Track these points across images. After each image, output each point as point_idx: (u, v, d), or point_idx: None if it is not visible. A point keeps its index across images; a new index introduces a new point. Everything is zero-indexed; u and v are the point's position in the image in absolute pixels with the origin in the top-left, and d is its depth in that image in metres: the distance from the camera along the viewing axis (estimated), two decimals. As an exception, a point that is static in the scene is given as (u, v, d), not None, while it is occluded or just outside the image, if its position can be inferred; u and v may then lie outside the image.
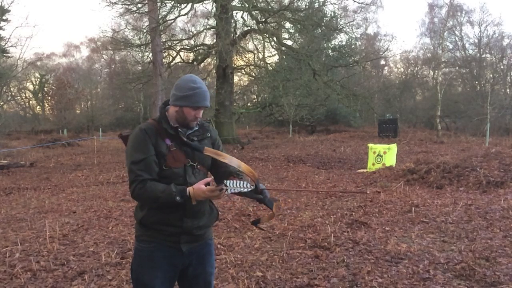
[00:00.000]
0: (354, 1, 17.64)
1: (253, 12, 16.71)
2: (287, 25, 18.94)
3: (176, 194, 1.83)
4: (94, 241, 4.63)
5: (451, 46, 27.64)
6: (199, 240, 2.04)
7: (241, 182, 1.85)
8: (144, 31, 16.23)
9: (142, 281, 1.98)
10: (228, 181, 1.84)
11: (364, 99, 19.79)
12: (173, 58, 18.61)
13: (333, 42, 23.12)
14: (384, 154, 9.93)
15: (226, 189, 1.82)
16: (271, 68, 21.27)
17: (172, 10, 15.38)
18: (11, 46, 22.71)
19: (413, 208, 5.69)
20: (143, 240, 1.98)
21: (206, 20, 20.42)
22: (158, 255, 1.95)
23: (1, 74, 19.07)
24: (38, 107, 35.88)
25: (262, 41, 23.79)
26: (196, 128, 2.04)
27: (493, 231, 4.67)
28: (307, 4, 17.98)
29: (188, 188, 1.85)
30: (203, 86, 1.99)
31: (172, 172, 1.92)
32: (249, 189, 1.85)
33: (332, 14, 19.77)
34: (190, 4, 15.39)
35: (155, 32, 13.30)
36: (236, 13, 17.71)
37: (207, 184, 1.84)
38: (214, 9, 15.55)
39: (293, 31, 19.34)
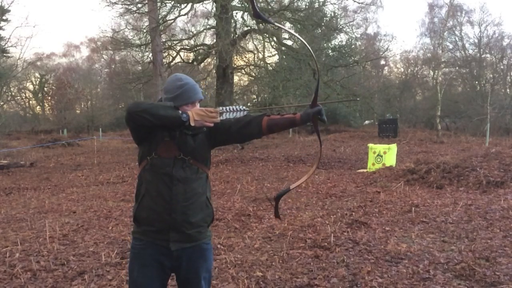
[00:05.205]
0: (354, 1, 17.63)
1: (253, 12, 16.68)
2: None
3: (177, 109, 1.87)
4: (94, 241, 4.63)
5: (451, 46, 27.63)
6: (190, 240, 1.97)
7: (236, 105, 1.91)
8: (144, 31, 16.21)
9: (133, 278, 2.00)
10: (222, 107, 1.92)
11: (364, 99, 19.78)
12: (173, 58, 18.57)
13: (333, 42, 23.00)
14: (384, 154, 9.92)
15: (222, 113, 1.89)
16: (271, 68, 21.23)
17: (172, 10, 15.37)
18: (11, 46, 22.65)
19: (413, 208, 5.69)
20: (135, 237, 2.02)
21: (206, 20, 20.35)
22: (147, 253, 1.96)
23: (1, 74, 19.05)
24: (38, 107, 35.77)
25: (262, 41, 23.75)
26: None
27: (493, 231, 4.67)
28: (307, 4, 17.96)
29: (188, 112, 1.88)
30: (190, 81, 2.00)
31: (161, 161, 1.92)
32: (244, 111, 1.92)
33: (332, 14, 19.72)
34: (190, 4, 15.37)
35: (155, 32, 13.30)
36: (236, 13, 17.68)
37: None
38: (214, 9, 15.52)
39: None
